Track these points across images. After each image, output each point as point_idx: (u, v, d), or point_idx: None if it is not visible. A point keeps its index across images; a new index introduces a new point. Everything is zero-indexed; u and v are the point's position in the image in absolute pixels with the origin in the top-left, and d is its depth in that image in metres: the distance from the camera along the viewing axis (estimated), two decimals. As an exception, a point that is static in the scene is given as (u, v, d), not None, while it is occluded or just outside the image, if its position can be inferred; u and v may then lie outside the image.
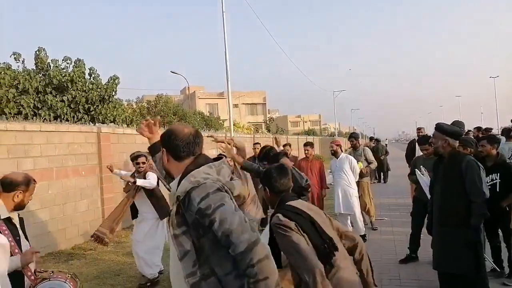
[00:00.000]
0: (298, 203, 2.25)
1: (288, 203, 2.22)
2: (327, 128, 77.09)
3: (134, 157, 5.05)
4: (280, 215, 2.13)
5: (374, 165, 7.17)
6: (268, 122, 45.15)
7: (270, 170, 2.36)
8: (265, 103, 53.90)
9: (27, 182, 2.50)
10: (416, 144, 7.07)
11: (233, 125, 14.19)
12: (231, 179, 1.78)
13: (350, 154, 6.74)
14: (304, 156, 6.51)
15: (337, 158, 6.34)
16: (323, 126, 78.24)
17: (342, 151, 6.57)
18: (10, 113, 7.85)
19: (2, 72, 8.76)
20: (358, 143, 7.19)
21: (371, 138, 16.28)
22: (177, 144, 1.73)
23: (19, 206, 2.50)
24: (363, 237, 6.04)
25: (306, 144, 6.61)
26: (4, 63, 9.47)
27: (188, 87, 31.89)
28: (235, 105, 45.24)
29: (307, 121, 73.74)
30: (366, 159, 6.99)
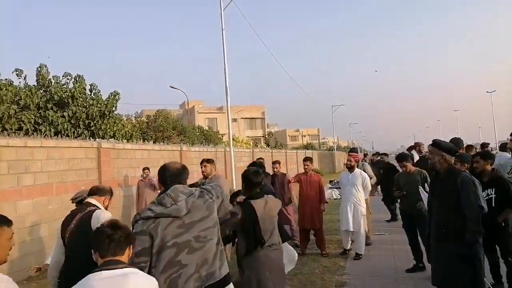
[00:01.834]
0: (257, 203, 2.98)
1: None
2: (326, 142, 77.24)
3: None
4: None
5: (374, 180, 7.22)
6: (267, 136, 45.23)
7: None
8: (264, 118, 54.14)
9: (112, 192, 3.28)
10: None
11: (232, 139, 14.26)
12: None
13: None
14: (304, 170, 6.57)
15: (351, 173, 6.24)
16: (322, 140, 78.39)
17: (357, 166, 6.46)
18: (11, 129, 7.92)
19: (4, 89, 8.86)
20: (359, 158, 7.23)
21: (376, 154, 16.33)
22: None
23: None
24: (359, 256, 5.94)
25: (305, 159, 6.65)
26: (6, 79, 9.59)
27: (188, 102, 32.08)
28: (234, 120, 45.45)
29: (306, 135, 73.94)
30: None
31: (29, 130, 8.55)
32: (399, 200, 5.54)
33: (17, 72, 9.93)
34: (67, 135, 9.07)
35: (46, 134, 8.62)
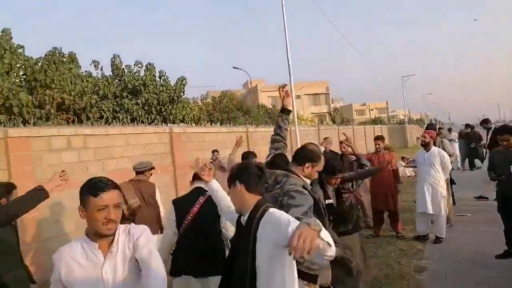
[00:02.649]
0: None
1: None
2: (396, 115, 73.21)
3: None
4: None
5: (454, 157, 6.65)
6: (332, 113, 44.05)
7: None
8: (328, 93, 52.71)
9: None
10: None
11: (297, 117, 14.09)
12: None
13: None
14: (375, 150, 6.27)
15: (427, 151, 5.77)
16: (391, 114, 74.42)
17: (435, 143, 5.99)
18: (93, 117, 8.61)
19: (85, 80, 9.61)
20: (437, 133, 6.71)
21: (466, 125, 15.09)
22: None
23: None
24: (439, 239, 5.57)
25: (377, 138, 6.33)
26: (86, 71, 10.39)
27: (251, 81, 32.28)
28: (298, 96, 44.78)
29: (373, 108, 70.77)
30: (445, 151, 6.51)
31: (109, 118, 9.23)
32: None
33: (95, 64, 10.70)
34: (142, 121, 9.65)
35: (123, 122, 9.23)
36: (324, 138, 7.42)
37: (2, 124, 6.61)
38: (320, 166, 2.67)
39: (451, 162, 6.93)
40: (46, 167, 5.65)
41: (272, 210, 1.91)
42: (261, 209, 1.91)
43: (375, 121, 44.12)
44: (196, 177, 3.43)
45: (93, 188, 1.70)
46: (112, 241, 1.73)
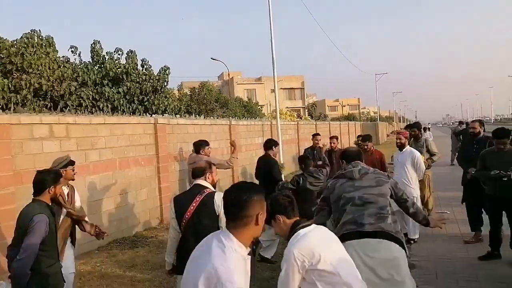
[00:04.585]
0: None
1: None
2: (366, 112, 75.01)
3: None
4: None
5: (437, 157, 6.85)
6: (310, 108, 44.47)
7: None
8: (303, 88, 53.15)
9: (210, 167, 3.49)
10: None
11: (275, 112, 14.10)
12: None
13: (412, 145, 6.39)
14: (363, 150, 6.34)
15: (401, 152, 5.95)
16: (362, 110, 76.21)
17: (409, 144, 6.11)
18: (72, 105, 8.23)
19: (62, 66, 9.15)
20: (420, 133, 6.87)
21: (460, 122, 15.44)
22: None
23: None
24: (409, 241, 5.53)
25: (363, 140, 6.38)
26: (63, 56, 9.89)
27: (228, 73, 32.00)
28: (272, 90, 44.88)
29: (346, 105, 72.15)
30: (429, 151, 6.69)
31: (88, 106, 8.87)
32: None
33: (72, 49, 10.20)
34: (123, 111, 9.33)
35: (103, 110, 8.90)
36: (314, 135, 7.44)
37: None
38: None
39: (434, 161, 7.15)
40: (27, 156, 5.36)
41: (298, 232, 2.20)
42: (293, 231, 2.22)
43: (348, 118, 45.00)
44: (194, 174, 3.38)
45: None
46: None
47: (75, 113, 7.17)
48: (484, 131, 5.79)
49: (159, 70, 10.60)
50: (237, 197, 1.65)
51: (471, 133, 5.84)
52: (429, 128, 19.30)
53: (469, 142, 5.91)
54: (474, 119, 7.75)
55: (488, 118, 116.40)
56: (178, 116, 10.51)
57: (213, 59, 27.33)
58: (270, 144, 5.87)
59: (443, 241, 5.66)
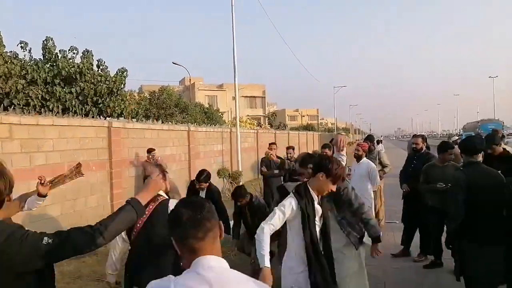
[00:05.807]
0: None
1: None
2: (324, 123, 77.09)
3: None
4: None
5: (389, 169, 7.13)
6: (270, 117, 44.89)
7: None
8: (264, 97, 53.67)
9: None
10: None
11: (235, 119, 14.09)
12: None
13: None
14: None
15: (357, 163, 6.11)
16: (320, 121, 78.21)
17: (365, 156, 6.27)
18: (19, 104, 7.70)
19: (9, 62, 8.58)
20: (373, 145, 7.13)
21: (414, 136, 16.08)
22: None
23: None
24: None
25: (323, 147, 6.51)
26: (11, 51, 9.27)
27: (190, 78, 31.61)
28: (234, 98, 44.92)
29: (305, 115, 73.66)
30: (381, 163, 6.95)
31: (37, 106, 8.34)
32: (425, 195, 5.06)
33: (22, 45, 9.59)
34: (75, 112, 8.87)
35: (53, 111, 8.41)
36: (270, 144, 7.45)
37: None
38: None
39: (386, 173, 7.44)
40: (-38, 158, 4.93)
41: None
42: None
43: (307, 128, 45.96)
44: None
45: None
46: None
47: (21, 113, 6.70)
48: (426, 147, 5.97)
49: (116, 72, 10.22)
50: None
51: (414, 149, 5.78)
52: (381, 141, 20.08)
53: (410, 157, 5.91)
54: (417, 134, 7.56)
55: (435, 133, 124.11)
56: (134, 120, 10.18)
57: (175, 63, 26.91)
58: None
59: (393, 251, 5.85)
